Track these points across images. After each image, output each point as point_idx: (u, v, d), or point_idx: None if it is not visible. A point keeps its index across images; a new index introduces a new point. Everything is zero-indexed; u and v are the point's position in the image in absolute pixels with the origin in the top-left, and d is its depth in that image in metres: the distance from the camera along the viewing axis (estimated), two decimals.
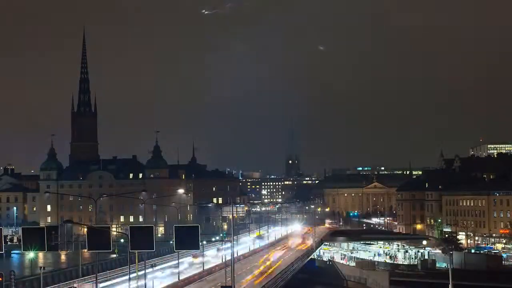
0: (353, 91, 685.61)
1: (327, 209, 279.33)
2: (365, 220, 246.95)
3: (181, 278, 78.31)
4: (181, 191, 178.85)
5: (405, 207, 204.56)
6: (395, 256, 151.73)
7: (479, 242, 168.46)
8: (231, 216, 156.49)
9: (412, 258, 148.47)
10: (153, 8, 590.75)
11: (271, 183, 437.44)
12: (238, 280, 74.02)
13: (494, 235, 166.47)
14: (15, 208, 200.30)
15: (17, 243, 55.67)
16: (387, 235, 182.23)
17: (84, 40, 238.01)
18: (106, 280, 78.18)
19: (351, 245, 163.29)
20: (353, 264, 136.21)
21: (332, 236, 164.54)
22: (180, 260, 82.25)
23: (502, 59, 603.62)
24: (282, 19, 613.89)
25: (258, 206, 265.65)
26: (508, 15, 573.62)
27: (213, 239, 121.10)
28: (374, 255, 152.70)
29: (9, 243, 57.15)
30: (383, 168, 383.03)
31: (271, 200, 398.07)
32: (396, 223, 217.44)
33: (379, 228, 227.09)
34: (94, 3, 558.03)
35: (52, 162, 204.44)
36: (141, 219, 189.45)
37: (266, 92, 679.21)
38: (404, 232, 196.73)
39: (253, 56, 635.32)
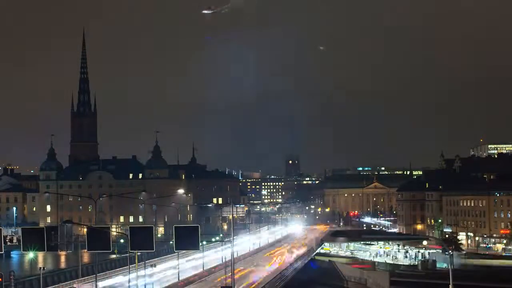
0: (353, 91, 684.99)
1: (327, 209, 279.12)
2: (365, 221, 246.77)
3: None
4: (181, 191, 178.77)
5: (406, 207, 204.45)
6: (396, 256, 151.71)
7: (479, 242, 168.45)
8: (231, 216, 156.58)
9: (412, 258, 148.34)
10: (153, 8, 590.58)
11: (271, 183, 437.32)
12: None
13: (494, 235, 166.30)
14: (14, 208, 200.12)
15: (17, 243, 55.46)
16: (387, 235, 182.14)
17: (84, 40, 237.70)
18: (106, 279, 78.15)
19: (351, 245, 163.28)
20: None
21: (332, 236, 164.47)
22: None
23: (502, 59, 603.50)
24: (283, 19, 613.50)
25: (258, 206, 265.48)
26: (509, 15, 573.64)
27: (213, 239, 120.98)
28: (375, 255, 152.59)
29: (8, 243, 56.91)
30: (383, 168, 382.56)
31: (271, 200, 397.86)
32: (396, 223, 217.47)
33: (379, 228, 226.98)
34: (94, 3, 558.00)
35: (51, 162, 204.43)
36: (141, 219, 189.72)
37: (266, 92, 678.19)
38: (404, 233, 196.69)
39: (253, 56, 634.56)
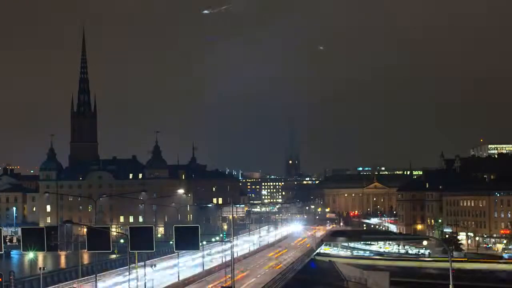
0: (353, 91, 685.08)
1: (327, 210, 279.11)
2: (365, 221, 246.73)
3: None
4: (181, 191, 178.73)
5: (406, 208, 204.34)
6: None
7: (479, 242, 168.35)
8: (231, 217, 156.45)
9: None
10: (153, 8, 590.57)
11: (271, 183, 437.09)
12: None
13: (494, 235, 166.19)
14: (14, 208, 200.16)
15: (17, 243, 55.42)
16: (387, 235, 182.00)
17: (84, 40, 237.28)
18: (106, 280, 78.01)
19: (352, 245, 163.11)
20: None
21: (332, 236, 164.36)
22: None
23: (502, 59, 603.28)
24: (282, 19, 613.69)
25: (258, 207, 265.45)
26: (509, 15, 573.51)
27: (213, 240, 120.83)
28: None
29: (8, 243, 56.86)
30: (383, 168, 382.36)
31: (271, 200, 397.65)
32: (396, 223, 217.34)
33: (379, 228, 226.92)
34: (94, 3, 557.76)
35: (51, 162, 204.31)
36: (141, 219, 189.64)
37: (266, 92, 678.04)
38: (404, 233, 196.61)
39: (253, 56, 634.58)
